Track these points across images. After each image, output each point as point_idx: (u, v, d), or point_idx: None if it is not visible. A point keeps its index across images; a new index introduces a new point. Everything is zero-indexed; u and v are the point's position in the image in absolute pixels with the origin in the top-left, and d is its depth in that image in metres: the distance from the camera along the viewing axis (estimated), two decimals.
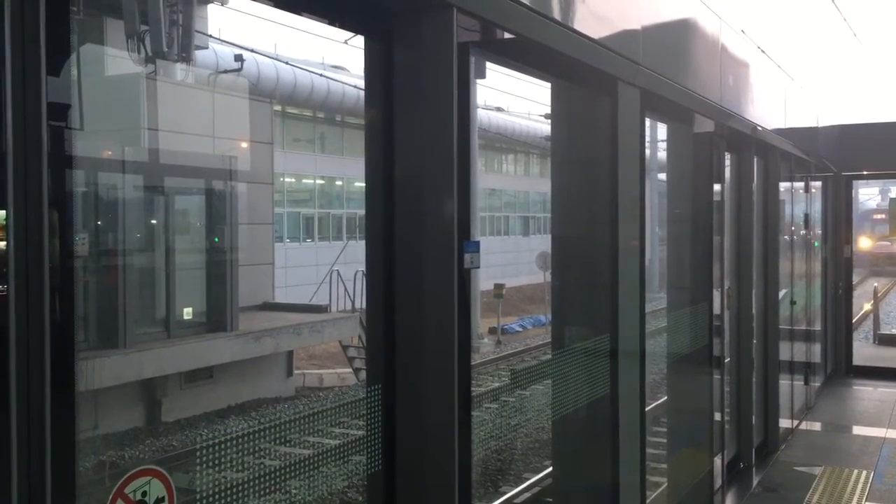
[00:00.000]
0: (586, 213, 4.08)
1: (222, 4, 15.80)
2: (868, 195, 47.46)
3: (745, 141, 6.87)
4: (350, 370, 16.94)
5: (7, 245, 1.50)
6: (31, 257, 1.53)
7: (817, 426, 8.95)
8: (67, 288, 1.61)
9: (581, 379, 3.82)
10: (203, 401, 13.01)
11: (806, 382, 9.35)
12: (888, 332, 16.57)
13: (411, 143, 2.56)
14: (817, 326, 10.44)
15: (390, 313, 2.58)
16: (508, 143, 33.98)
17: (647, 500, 4.42)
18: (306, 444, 9.69)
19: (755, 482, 6.89)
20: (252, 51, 18.58)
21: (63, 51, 1.60)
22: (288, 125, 25.63)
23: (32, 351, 1.53)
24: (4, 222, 1.50)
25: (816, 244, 10.38)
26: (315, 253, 25.25)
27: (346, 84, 22.75)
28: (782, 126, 8.01)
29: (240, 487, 2.14)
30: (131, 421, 12.04)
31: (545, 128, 31.46)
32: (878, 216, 40.50)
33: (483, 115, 29.14)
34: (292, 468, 2.40)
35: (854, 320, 13.81)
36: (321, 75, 22.89)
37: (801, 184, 9.33)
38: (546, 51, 3.27)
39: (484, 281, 22.12)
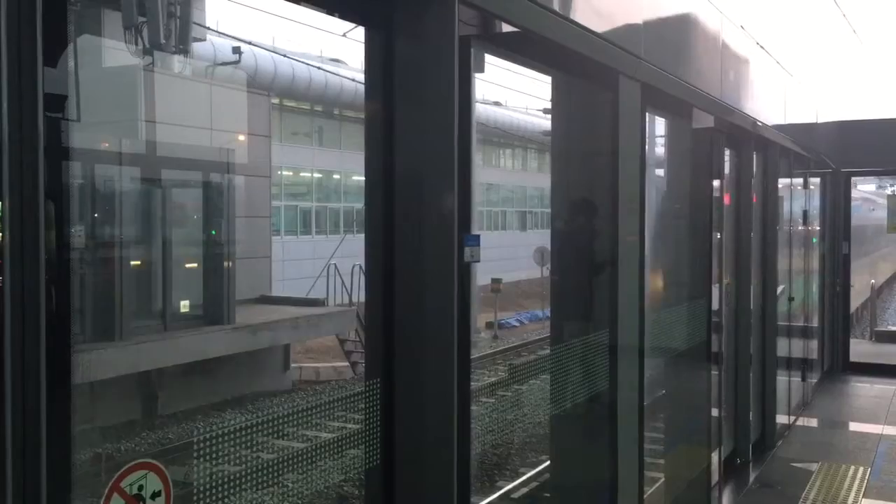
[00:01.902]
0: (586, 207, 4.06)
1: None
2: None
3: (745, 136, 6.85)
4: (347, 364, 16.94)
5: (3, 237, 1.48)
6: (27, 249, 1.51)
7: (814, 422, 8.96)
8: (63, 280, 1.59)
9: (580, 374, 3.81)
10: (200, 394, 12.98)
11: (803, 379, 9.35)
12: (885, 329, 16.58)
13: (412, 137, 2.53)
14: (814, 323, 10.45)
15: (390, 307, 2.56)
16: (506, 137, 33.95)
17: (645, 496, 4.41)
18: (304, 437, 9.68)
19: (752, 478, 6.89)
20: (250, 43, 18.52)
21: (60, 42, 1.58)
22: (286, 118, 25.59)
23: (28, 343, 1.51)
24: (0, 214, 1.48)
25: (814, 241, 10.37)
26: (312, 246, 25.22)
27: (343, 77, 22.70)
28: (781, 122, 7.99)
29: (236, 481, 2.13)
30: (127, 414, 12.02)
31: (543, 122, 31.43)
32: None
33: (481, 109, 29.09)
34: (290, 462, 2.38)
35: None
36: (319, 68, 22.83)
37: (800, 180, 9.32)
38: (548, 44, 3.25)
39: (481, 275, 22.10)
